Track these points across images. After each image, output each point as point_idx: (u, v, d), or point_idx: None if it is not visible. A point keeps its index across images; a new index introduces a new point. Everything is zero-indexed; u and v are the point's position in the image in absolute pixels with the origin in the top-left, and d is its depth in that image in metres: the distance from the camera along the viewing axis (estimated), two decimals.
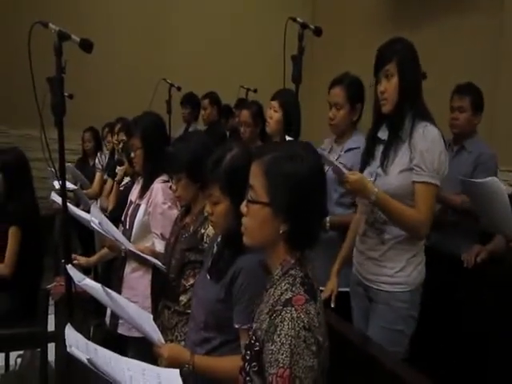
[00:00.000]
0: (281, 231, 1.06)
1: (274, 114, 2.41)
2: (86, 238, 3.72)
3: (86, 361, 1.11)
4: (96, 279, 3.63)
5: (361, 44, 4.83)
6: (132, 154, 2.19)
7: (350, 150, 2.11)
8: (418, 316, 1.75)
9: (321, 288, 1.86)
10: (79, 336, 1.28)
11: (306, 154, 1.09)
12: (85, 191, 3.91)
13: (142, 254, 2.02)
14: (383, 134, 1.77)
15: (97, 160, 4.35)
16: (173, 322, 1.74)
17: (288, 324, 0.98)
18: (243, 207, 1.12)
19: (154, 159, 2.11)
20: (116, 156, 3.95)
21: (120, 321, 2.10)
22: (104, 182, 4.05)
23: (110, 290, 1.43)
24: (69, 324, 1.29)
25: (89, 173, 4.37)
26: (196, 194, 1.76)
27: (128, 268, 2.17)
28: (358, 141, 2.08)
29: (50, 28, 1.65)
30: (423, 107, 1.72)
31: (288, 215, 1.05)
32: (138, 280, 2.13)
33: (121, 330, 2.11)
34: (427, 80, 2.68)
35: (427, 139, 1.64)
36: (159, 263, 1.88)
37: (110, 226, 2.03)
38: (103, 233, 2.02)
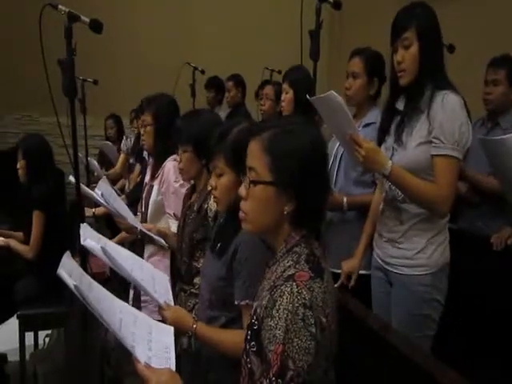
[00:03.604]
0: (285, 212, 1.00)
1: (285, 97, 2.35)
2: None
3: (72, 287, 1.07)
4: None
5: (384, 18, 4.61)
6: (142, 131, 2.17)
7: (367, 125, 2.02)
8: (446, 300, 1.66)
9: (337, 271, 1.85)
10: (76, 266, 1.24)
11: (305, 128, 1.03)
12: (106, 172, 4.00)
13: (147, 232, 2.01)
14: (401, 106, 1.66)
15: (122, 143, 4.44)
16: (190, 304, 1.73)
17: (287, 298, 0.92)
18: (242, 190, 1.06)
19: (165, 138, 2.08)
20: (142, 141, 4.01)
21: (142, 304, 2.10)
22: (130, 166, 4.13)
23: (111, 252, 1.37)
24: (68, 252, 1.26)
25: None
26: (200, 172, 1.73)
27: (146, 252, 2.17)
28: (376, 116, 1.99)
29: (59, 10, 1.65)
30: (445, 79, 1.58)
31: (293, 193, 0.99)
32: (155, 264, 2.10)
33: (143, 312, 2.12)
34: (456, 54, 2.55)
35: (446, 109, 1.52)
36: (163, 242, 1.86)
37: (117, 200, 2.01)
38: (106, 205, 2.00)
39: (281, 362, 0.90)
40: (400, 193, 1.62)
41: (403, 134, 1.62)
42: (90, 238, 1.59)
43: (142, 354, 1.08)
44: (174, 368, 1.10)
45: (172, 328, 1.27)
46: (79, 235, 1.63)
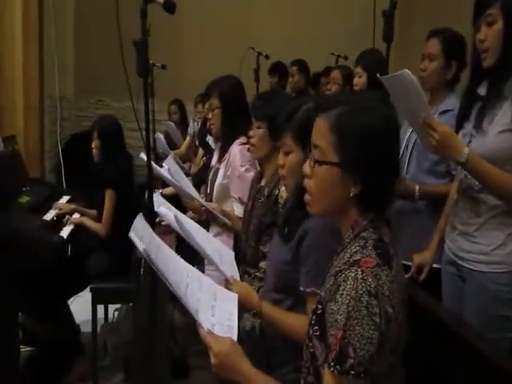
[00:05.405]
0: (351, 194, 0.96)
1: (358, 81, 2.28)
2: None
3: (141, 250, 1.09)
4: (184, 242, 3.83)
5: None
6: (209, 115, 2.18)
7: (445, 112, 1.90)
8: None
9: (407, 263, 1.78)
10: (148, 228, 1.26)
11: (377, 105, 0.98)
12: (171, 151, 4.10)
13: (211, 210, 2.03)
14: (483, 91, 1.55)
15: (189, 126, 4.55)
16: (254, 287, 1.73)
17: (350, 284, 0.89)
18: (306, 168, 1.02)
19: (232, 120, 2.08)
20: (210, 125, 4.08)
21: None
22: (196, 149, 4.23)
23: (183, 222, 1.40)
24: (141, 214, 1.29)
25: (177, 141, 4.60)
26: (270, 153, 1.72)
27: (211, 233, 2.19)
28: (454, 103, 1.87)
29: None
30: None
31: (360, 175, 0.95)
32: None
33: None
34: None
35: None
36: (226, 220, 1.87)
37: (182, 177, 2.06)
38: (173, 182, 2.05)
39: (340, 347, 0.88)
40: (477, 182, 1.52)
41: (484, 120, 1.51)
42: (163, 206, 1.64)
43: (205, 320, 1.08)
44: (235, 337, 1.09)
45: (236, 295, 1.27)
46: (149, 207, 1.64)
